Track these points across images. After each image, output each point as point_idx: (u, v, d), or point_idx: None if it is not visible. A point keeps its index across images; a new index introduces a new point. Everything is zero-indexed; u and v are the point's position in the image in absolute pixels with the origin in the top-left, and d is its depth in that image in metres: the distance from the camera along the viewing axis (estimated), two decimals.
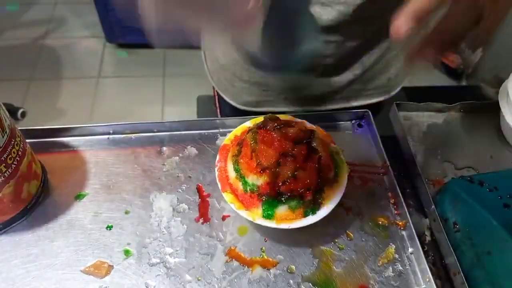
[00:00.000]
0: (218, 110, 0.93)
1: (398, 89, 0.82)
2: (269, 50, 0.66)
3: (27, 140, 0.56)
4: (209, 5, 0.34)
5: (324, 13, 0.61)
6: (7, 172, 0.50)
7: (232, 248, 0.55)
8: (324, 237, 0.57)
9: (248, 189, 0.52)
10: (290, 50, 0.65)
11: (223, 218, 0.58)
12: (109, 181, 0.61)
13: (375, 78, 0.77)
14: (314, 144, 0.53)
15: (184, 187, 0.61)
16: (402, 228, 0.58)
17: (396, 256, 0.56)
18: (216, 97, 0.90)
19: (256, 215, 0.52)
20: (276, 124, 0.54)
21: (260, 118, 0.60)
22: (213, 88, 0.88)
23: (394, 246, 0.56)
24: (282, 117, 0.59)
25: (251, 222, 0.53)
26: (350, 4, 0.60)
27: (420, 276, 0.54)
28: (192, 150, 0.65)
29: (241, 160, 0.53)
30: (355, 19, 0.62)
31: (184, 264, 0.53)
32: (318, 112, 0.70)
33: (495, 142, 0.71)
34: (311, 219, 0.52)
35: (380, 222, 0.59)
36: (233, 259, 0.54)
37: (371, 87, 0.79)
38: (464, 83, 2.14)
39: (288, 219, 0.52)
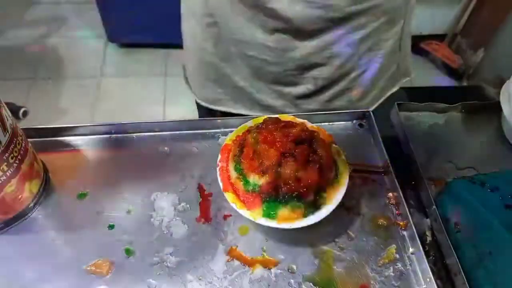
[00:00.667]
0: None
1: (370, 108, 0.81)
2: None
3: (29, 139, 0.56)
4: None
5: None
6: (9, 171, 0.50)
7: (233, 247, 0.55)
8: (325, 237, 0.57)
9: (249, 189, 0.52)
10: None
11: (224, 217, 0.58)
12: (111, 181, 0.61)
13: (335, 98, 0.77)
14: (315, 145, 0.54)
15: (185, 187, 0.61)
16: (403, 228, 0.58)
17: (397, 256, 0.56)
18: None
19: (257, 215, 0.52)
20: (277, 124, 0.54)
21: (262, 119, 0.60)
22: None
23: (395, 246, 0.56)
24: (283, 117, 0.60)
25: (252, 222, 0.53)
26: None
27: (421, 276, 0.54)
28: (193, 150, 0.65)
29: (243, 160, 0.53)
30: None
31: (185, 264, 0.54)
32: (320, 112, 0.70)
33: (497, 143, 0.71)
34: (312, 219, 0.52)
35: (381, 222, 0.59)
36: (234, 259, 0.54)
37: (331, 107, 0.78)
38: (465, 83, 2.14)
39: (289, 219, 0.52)
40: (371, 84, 0.78)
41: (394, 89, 0.84)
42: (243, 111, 0.80)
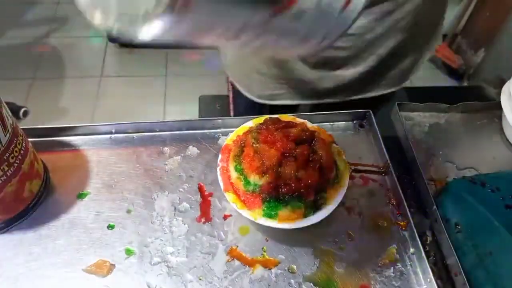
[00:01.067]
0: (232, 107, 0.94)
1: (409, 79, 0.82)
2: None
3: (29, 139, 0.56)
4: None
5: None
6: (9, 171, 0.50)
7: (234, 247, 0.55)
8: (325, 237, 0.57)
9: (250, 189, 0.52)
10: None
11: (225, 217, 0.58)
12: (111, 180, 0.61)
13: (388, 69, 0.77)
14: (315, 145, 0.54)
15: (185, 187, 0.61)
16: (403, 228, 0.58)
17: (397, 256, 0.56)
18: (231, 93, 0.91)
19: (257, 215, 0.52)
20: (278, 124, 0.54)
21: (262, 119, 0.60)
22: (229, 85, 0.89)
23: (395, 246, 0.56)
24: (284, 117, 0.60)
25: (253, 222, 0.53)
26: None
27: (421, 277, 0.54)
28: (194, 150, 0.65)
29: (243, 160, 0.53)
30: (376, 11, 0.63)
31: (186, 264, 0.54)
32: (320, 113, 0.70)
33: (497, 143, 0.71)
34: (313, 219, 0.52)
35: (381, 223, 0.59)
36: (235, 259, 0.54)
37: (383, 78, 0.79)
38: (465, 83, 2.13)
39: (289, 219, 0.52)
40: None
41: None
42: (301, 102, 0.82)
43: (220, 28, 0.27)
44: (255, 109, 0.86)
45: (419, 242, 0.55)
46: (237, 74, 0.84)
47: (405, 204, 0.59)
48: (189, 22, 0.23)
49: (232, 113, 0.97)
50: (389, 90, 0.81)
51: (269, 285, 0.52)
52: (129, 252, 0.54)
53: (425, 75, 2.14)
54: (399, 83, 0.81)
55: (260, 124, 0.58)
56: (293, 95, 0.80)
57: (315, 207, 0.53)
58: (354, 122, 0.71)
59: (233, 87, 0.90)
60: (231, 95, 0.93)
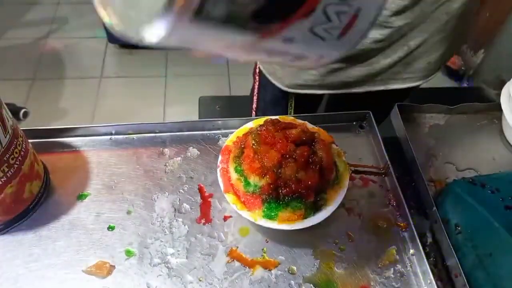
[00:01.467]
0: (256, 98, 0.95)
1: (435, 74, 0.83)
2: None
3: (30, 140, 0.56)
4: None
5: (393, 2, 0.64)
6: (9, 172, 0.50)
7: (234, 248, 0.55)
8: (325, 238, 0.57)
9: (250, 190, 0.52)
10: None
11: (225, 218, 0.58)
12: (111, 182, 0.61)
13: (416, 61, 0.77)
14: (315, 146, 0.54)
15: (186, 188, 0.61)
16: (403, 229, 0.58)
17: (397, 257, 0.56)
18: (256, 84, 0.93)
19: (257, 216, 0.52)
20: (278, 125, 0.54)
21: (262, 120, 0.60)
22: (257, 75, 0.91)
23: (395, 247, 0.56)
24: (284, 118, 0.60)
25: (253, 223, 0.53)
26: None
27: (421, 278, 0.54)
28: (194, 151, 0.65)
29: (243, 161, 0.53)
30: (415, 3, 0.64)
31: (186, 265, 0.54)
32: (320, 113, 0.70)
33: (497, 144, 0.71)
34: (313, 220, 0.52)
35: (381, 224, 0.59)
36: (235, 260, 0.54)
37: (410, 70, 0.79)
38: (465, 84, 2.14)
39: (289, 220, 0.52)
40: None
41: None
42: (328, 91, 0.82)
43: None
44: (280, 100, 0.88)
45: (419, 243, 0.55)
46: (268, 65, 0.85)
47: (405, 205, 0.59)
48: (188, 28, 0.23)
49: (254, 105, 0.98)
50: (413, 84, 0.81)
51: (269, 286, 0.52)
52: (129, 253, 0.54)
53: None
54: (424, 77, 0.81)
55: (260, 125, 0.58)
56: (322, 84, 0.81)
57: (315, 208, 0.53)
58: (354, 123, 0.71)
59: (260, 79, 0.91)
60: (256, 86, 0.94)
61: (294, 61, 0.32)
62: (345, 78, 0.78)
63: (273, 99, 0.90)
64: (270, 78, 0.86)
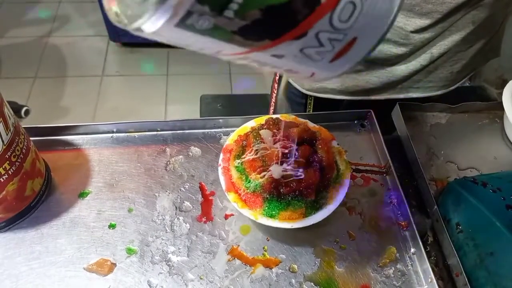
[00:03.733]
0: (274, 100, 0.96)
1: (457, 85, 0.81)
2: None
3: (31, 138, 0.57)
4: None
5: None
6: (11, 169, 0.50)
7: (235, 247, 0.55)
8: (326, 237, 0.57)
9: (251, 189, 0.52)
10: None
11: (226, 217, 0.58)
12: (113, 180, 0.61)
13: (438, 69, 0.76)
14: (316, 145, 0.54)
15: (187, 186, 0.61)
16: (404, 228, 0.58)
17: (398, 256, 0.56)
18: (276, 84, 0.94)
19: (258, 214, 0.52)
20: (279, 124, 0.54)
21: (264, 119, 0.60)
22: (275, 77, 0.93)
23: (396, 246, 0.56)
24: (285, 117, 0.60)
25: (254, 221, 0.53)
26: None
27: (422, 277, 0.54)
28: (195, 149, 0.65)
29: (245, 160, 0.53)
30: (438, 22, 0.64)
31: (187, 263, 0.54)
32: (321, 112, 0.70)
33: (499, 143, 0.71)
34: (314, 219, 0.52)
35: (382, 222, 0.59)
36: (236, 258, 0.54)
37: (432, 78, 0.78)
38: (467, 83, 2.13)
39: (290, 218, 0.52)
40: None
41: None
42: (347, 97, 0.82)
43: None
44: (299, 101, 0.89)
45: (420, 242, 0.55)
46: None
47: (406, 204, 0.59)
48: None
49: (272, 106, 0.98)
50: (434, 93, 0.80)
51: (270, 285, 0.52)
52: (130, 251, 0.54)
53: None
54: (445, 87, 0.80)
55: (262, 124, 0.58)
56: (342, 90, 0.80)
57: (316, 207, 0.53)
58: (356, 122, 0.71)
59: (279, 80, 0.92)
60: (276, 86, 0.95)
61: (287, 73, 0.31)
62: (365, 83, 0.77)
63: (291, 98, 0.91)
64: (291, 81, 0.87)
